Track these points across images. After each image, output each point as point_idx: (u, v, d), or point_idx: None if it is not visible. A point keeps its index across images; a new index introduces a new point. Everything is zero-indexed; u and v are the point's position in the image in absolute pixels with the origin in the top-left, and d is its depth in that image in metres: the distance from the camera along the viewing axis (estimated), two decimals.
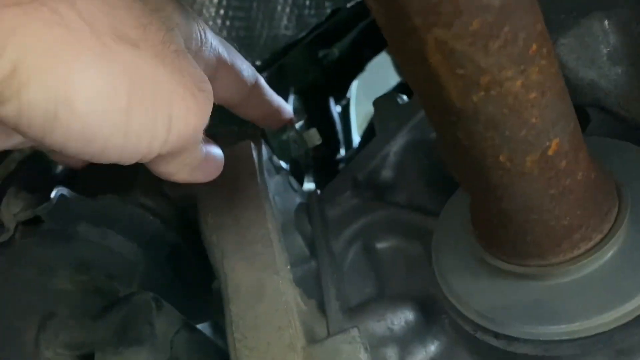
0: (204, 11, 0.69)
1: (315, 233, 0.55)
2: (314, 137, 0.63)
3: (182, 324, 0.50)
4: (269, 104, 0.56)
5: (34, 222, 0.51)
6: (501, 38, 0.29)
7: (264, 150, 0.59)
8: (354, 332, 0.43)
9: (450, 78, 0.31)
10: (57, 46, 0.30)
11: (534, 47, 0.31)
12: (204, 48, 0.43)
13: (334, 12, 0.77)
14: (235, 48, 0.50)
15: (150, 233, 0.59)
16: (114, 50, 0.32)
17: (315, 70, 0.97)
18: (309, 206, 0.59)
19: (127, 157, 0.35)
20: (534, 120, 0.33)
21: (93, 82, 0.31)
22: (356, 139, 1.14)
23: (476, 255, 0.44)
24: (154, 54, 0.34)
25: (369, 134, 1.04)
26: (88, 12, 0.31)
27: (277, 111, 0.57)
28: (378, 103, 0.65)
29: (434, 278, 0.46)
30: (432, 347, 0.46)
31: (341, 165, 1.06)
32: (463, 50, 0.29)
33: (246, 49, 0.72)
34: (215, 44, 0.45)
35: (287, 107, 0.59)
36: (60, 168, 0.57)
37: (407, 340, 0.46)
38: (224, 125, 0.57)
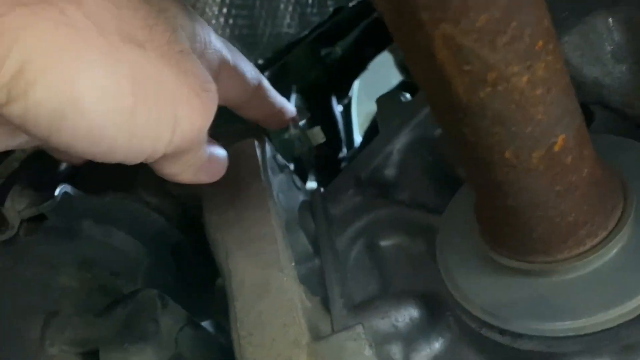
0: (207, 9, 0.69)
1: (319, 231, 0.55)
2: (318, 135, 0.63)
3: (187, 320, 0.50)
4: (272, 105, 0.56)
5: (38, 220, 0.51)
6: (508, 34, 0.30)
7: (268, 148, 0.58)
8: (359, 328, 0.43)
9: (457, 74, 0.31)
10: (64, 46, 0.30)
11: (540, 43, 0.31)
12: (207, 49, 0.43)
13: (336, 11, 0.77)
14: (238, 47, 0.50)
15: (153, 230, 0.59)
16: (120, 50, 0.32)
17: (317, 68, 0.97)
18: (313, 204, 0.59)
19: (132, 156, 0.35)
20: (540, 116, 0.33)
21: (99, 82, 0.31)
22: (358, 138, 1.14)
23: (481, 252, 0.44)
24: (159, 54, 0.35)
25: (370, 133, 1.04)
26: (95, 12, 0.31)
27: (280, 112, 0.57)
28: (381, 101, 0.65)
29: (438, 275, 0.46)
30: (437, 344, 0.46)
31: (343, 165, 1.06)
32: (470, 46, 0.29)
33: (249, 48, 0.72)
34: (219, 45, 0.45)
35: (290, 107, 0.59)
36: (64, 166, 0.57)
37: (411, 338, 0.46)
38: (229, 125, 0.57)
